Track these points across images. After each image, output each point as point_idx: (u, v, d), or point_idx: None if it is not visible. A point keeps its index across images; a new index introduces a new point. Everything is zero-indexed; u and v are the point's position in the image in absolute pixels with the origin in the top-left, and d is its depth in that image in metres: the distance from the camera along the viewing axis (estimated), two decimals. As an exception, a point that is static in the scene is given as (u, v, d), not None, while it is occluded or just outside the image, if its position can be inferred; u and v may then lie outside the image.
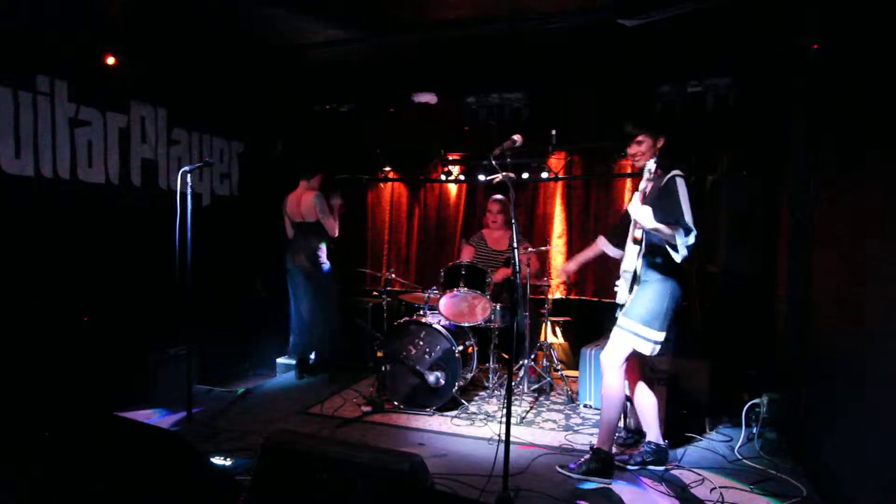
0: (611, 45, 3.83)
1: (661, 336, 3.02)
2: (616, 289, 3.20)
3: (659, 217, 2.77)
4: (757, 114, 4.38)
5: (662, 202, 2.93)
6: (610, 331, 3.19)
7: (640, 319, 3.02)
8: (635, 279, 3.03)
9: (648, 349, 3.02)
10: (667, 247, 2.88)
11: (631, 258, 3.04)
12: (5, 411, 3.60)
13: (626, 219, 3.24)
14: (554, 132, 5.26)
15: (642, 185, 3.12)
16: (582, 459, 3.15)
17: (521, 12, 3.37)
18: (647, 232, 2.91)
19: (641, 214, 2.74)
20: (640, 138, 3.08)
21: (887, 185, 2.29)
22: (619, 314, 3.15)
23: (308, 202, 4.93)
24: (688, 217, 2.85)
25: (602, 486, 3.05)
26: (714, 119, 4.55)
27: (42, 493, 2.29)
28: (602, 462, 3.10)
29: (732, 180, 4.22)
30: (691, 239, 2.81)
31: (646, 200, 2.96)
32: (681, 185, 2.94)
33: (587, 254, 3.55)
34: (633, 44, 3.77)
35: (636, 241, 2.98)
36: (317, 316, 5.02)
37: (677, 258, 2.85)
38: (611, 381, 3.10)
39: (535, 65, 4.33)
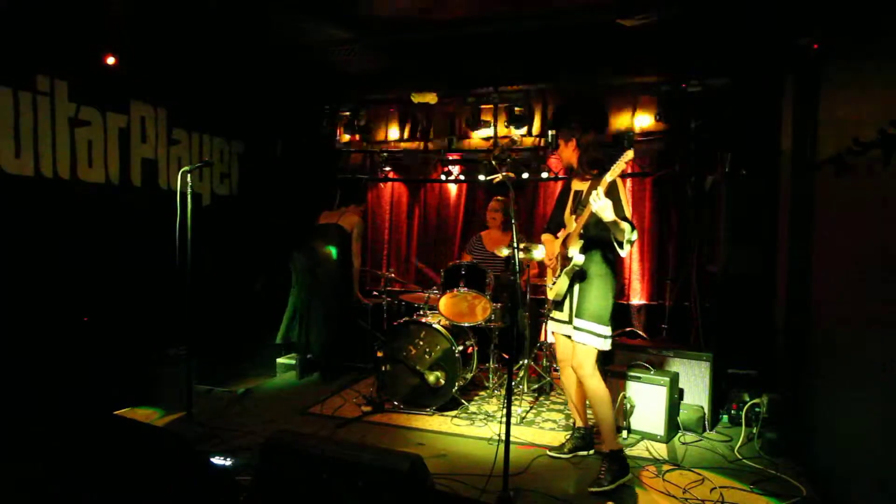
0: (611, 45, 3.83)
1: (609, 331, 3.15)
2: (550, 285, 3.32)
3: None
4: (757, 113, 4.38)
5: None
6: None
7: (594, 318, 3.11)
8: (577, 274, 3.14)
9: (604, 344, 3.13)
10: (613, 243, 3.01)
11: (573, 253, 3.10)
12: (5, 411, 3.60)
13: (557, 216, 3.43)
14: (554, 132, 5.27)
15: (577, 185, 3.29)
16: (602, 470, 3.08)
17: (522, 12, 3.37)
18: (594, 227, 3.04)
19: (603, 207, 2.79)
20: (560, 142, 3.33)
21: (887, 185, 2.29)
22: (562, 314, 3.26)
23: (352, 220, 5.07)
24: (629, 215, 3.04)
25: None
26: (714, 119, 4.55)
27: (42, 493, 2.29)
28: (619, 461, 3.11)
29: (732, 180, 4.22)
30: (635, 235, 2.97)
31: (585, 200, 3.08)
32: (621, 184, 3.08)
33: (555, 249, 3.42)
34: (633, 43, 3.77)
35: (581, 237, 3.08)
36: (318, 314, 5.03)
37: (623, 253, 3.00)
38: (592, 384, 3.16)
39: (535, 65, 4.33)
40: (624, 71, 4.48)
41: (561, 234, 3.34)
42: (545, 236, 3.52)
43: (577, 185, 3.32)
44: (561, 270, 3.21)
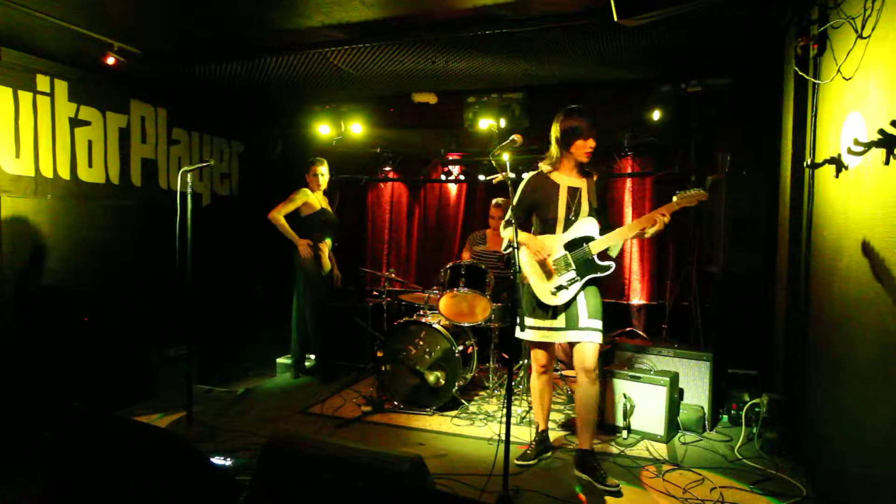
0: (611, 45, 3.83)
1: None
2: (554, 288, 3.15)
3: (604, 220, 3.19)
4: (757, 113, 4.38)
5: (601, 204, 3.21)
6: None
7: (598, 315, 3.16)
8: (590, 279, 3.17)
9: (601, 338, 3.17)
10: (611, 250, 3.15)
11: (597, 258, 3.14)
12: (5, 411, 3.60)
13: (535, 210, 3.24)
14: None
15: (569, 181, 3.19)
16: (600, 468, 3.11)
17: (522, 13, 3.37)
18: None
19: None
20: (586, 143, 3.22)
21: (886, 185, 2.29)
22: (555, 321, 3.18)
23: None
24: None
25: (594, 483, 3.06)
26: (714, 119, 4.55)
27: (41, 493, 2.29)
28: (598, 459, 3.19)
29: (732, 180, 4.22)
30: None
31: (587, 201, 3.17)
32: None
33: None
34: (634, 43, 3.78)
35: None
36: (308, 313, 5.03)
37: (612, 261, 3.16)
38: (595, 386, 3.15)
39: (536, 65, 4.33)
40: (623, 70, 4.48)
41: (553, 235, 3.17)
42: (526, 235, 3.20)
43: (570, 182, 3.17)
44: (581, 277, 3.13)
